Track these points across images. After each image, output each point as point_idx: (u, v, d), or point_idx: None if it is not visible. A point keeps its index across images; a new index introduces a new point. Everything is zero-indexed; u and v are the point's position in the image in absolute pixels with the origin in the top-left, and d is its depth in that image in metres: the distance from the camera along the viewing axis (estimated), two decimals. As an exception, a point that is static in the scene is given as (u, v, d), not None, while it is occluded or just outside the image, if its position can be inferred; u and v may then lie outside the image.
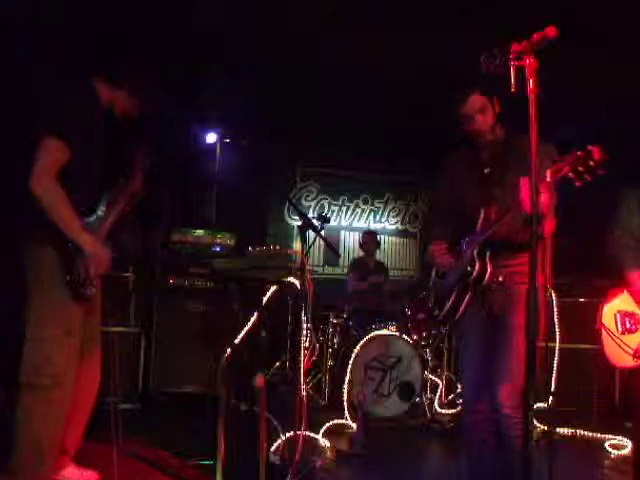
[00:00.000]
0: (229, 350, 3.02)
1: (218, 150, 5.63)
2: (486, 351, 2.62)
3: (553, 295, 5.00)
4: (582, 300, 5.17)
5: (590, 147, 2.08)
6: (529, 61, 1.77)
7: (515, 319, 2.53)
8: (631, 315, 2.93)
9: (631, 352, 2.85)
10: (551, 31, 1.75)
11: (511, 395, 2.44)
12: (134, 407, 4.57)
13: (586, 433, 4.56)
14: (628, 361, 2.88)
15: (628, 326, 2.92)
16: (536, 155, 1.77)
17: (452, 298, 2.69)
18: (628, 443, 4.13)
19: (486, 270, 2.57)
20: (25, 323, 2.56)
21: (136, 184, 2.92)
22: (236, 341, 3.16)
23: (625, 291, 2.94)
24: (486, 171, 2.70)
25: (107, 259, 2.69)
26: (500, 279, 2.57)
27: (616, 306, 2.99)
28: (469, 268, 2.60)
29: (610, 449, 4.27)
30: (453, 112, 2.67)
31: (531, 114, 1.77)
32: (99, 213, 2.74)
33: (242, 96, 5.53)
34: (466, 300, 2.65)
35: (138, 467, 3.21)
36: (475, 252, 2.60)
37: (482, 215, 2.62)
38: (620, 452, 4.19)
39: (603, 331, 2.99)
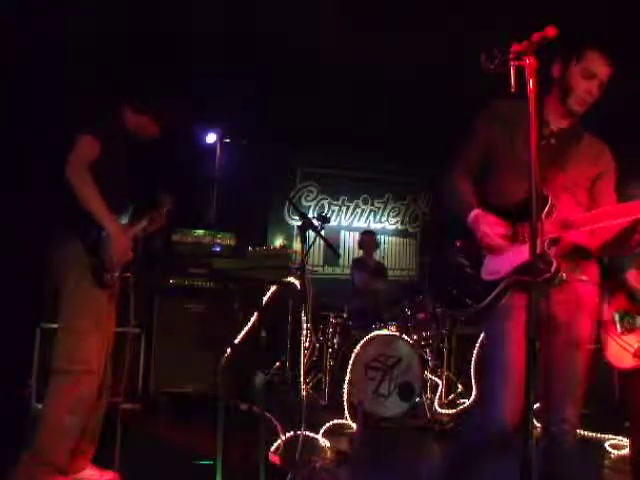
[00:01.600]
0: (229, 350, 3.03)
1: (218, 150, 5.63)
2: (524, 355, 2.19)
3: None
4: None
5: None
6: (529, 61, 1.76)
7: (578, 330, 2.20)
8: (629, 314, 2.92)
9: (632, 351, 2.84)
10: (551, 31, 1.74)
11: (577, 415, 2.21)
12: (134, 407, 4.57)
13: (586, 433, 4.55)
14: (628, 361, 2.88)
15: (627, 326, 2.91)
16: (536, 156, 1.76)
17: (497, 290, 2.21)
18: (628, 443, 4.12)
19: (559, 271, 2.08)
20: (58, 314, 2.78)
21: (159, 224, 3.23)
22: (236, 341, 3.17)
23: (623, 290, 2.94)
24: (552, 141, 2.27)
25: (128, 249, 2.87)
26: (563, 276, 2.08)
27: (614, 305, 2.98)
28: (542, 265, 2.03)
29: (610, 449, 4.27)
30: (572, 52, 2.21)
31: (531, 113, 1.76)
32: (123, 221, 2.96)
33: (242, 96, 5.53)
34: (508, 296, 2.20)
35: (138, 467, 3.21)
36: (546, 246, 2.10)
37: (550, 203, 2.12)
38: (620, 452, 4.19)
39: (603, 332, 2.98)
